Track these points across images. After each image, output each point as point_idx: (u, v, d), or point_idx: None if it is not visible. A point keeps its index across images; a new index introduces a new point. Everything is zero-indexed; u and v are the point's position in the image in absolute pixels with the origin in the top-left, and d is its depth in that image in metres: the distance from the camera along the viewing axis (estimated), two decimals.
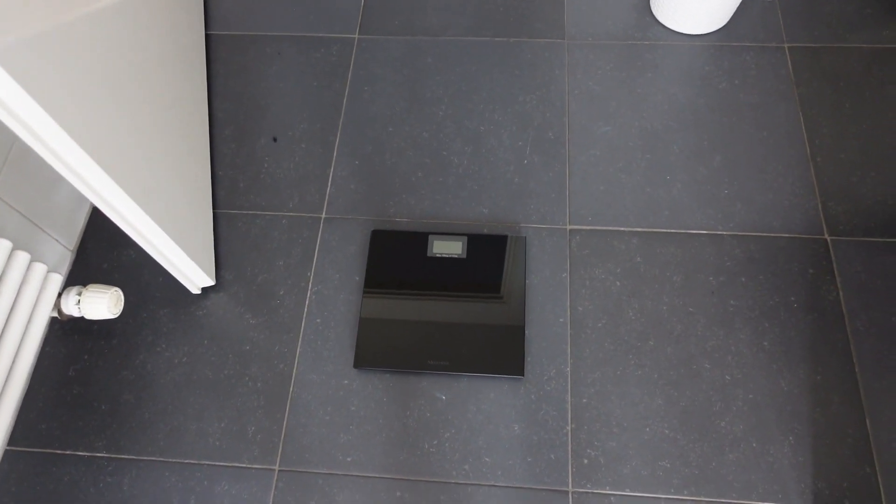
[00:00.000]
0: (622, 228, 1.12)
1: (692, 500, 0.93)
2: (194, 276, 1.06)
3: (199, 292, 1.10)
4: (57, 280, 0.95)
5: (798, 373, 1.00)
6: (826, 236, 1.10)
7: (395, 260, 1.09)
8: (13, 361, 0.87)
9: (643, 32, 1.32)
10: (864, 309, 1.04)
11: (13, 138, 0.99)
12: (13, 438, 1.00)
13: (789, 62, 1.27)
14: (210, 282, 1.09)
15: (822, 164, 1.16)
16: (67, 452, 0.99)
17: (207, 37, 1.37)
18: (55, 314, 0.99)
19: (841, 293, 1.05)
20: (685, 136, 1.20)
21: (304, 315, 1.08)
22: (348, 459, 0.97)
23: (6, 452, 0.99)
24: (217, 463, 0.97)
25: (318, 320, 1.07)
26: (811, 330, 1.03)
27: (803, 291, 1.06)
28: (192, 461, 0.97)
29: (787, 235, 1.10)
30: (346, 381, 1.02)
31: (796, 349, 1.02)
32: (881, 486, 0.92)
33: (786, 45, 1.29)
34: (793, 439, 0.96)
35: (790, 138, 1.19)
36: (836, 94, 1.23)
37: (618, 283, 1.08)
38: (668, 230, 1.12)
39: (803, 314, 1.04)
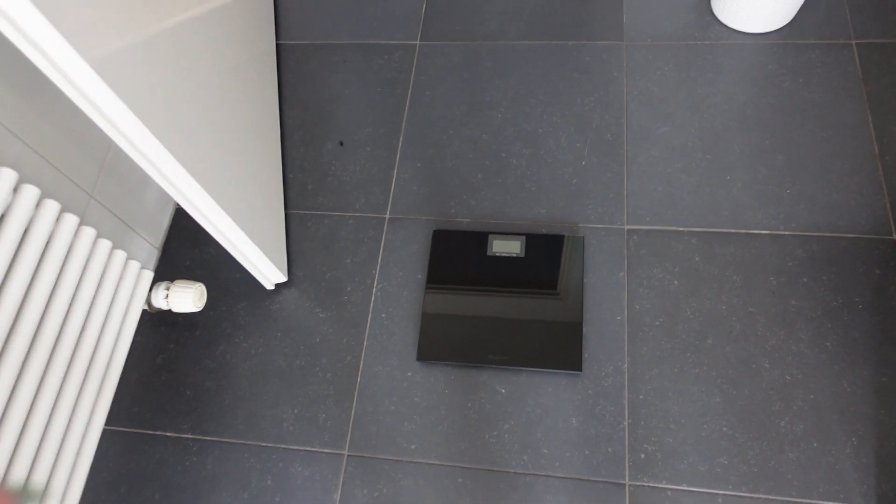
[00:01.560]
0: (681, 228, 1.13)
1: (750, 497, 0.94)
2: (269, 272, 1.13)
3: (272, 288, 1.17)
4: (148, 276, 1.04)
5: (862, 374, 0.99)
6: (894, 236, 1.08)
7: (456, 258, 1.14)
8: (112, 349, 0.96)
9: (703, 32, 1.32)
10: None
11: (107, 148, 1.08)
12: (109, 419, 1.10)
13: (857, 59, 1.25)
14: (283, 278, 1.16)
15: (891, 163, 1.14)
16: (157, 433, 1.08)
17: (278, 46, 1.45)
18: (145, 307, 1.08)
19: None
20: (746, 136, 1.20)
21: (370, 310, 1.13)
22: (412, 447, 1.02)
23: (104, 432, 1.09)
24: (291, 447, 1.04)
25: (384, 315, 1.13)
26: (877, 331, 1.02)
27: (869, 292, 1.04)
28: (268, 444, 1.05)
29: (851, 236, 1.09)
30: (409, 374, 1.07)
31: (860, 350, 1.01)
32: None
33: (853, 42, 1.26)
34: (856, 440, 0.95)
35: (857, 137, 1.17)
36: None
37: (676, 283, 1.09)
38: (728, 230, 1.12)
39: (868, 315, 1.03)
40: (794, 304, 1.05)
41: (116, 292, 0.96)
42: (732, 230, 1.12)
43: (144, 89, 0.78)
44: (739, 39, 1.30)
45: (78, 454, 0.90)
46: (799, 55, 1.27)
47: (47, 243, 0.83)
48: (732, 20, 1.30)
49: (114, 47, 0.73)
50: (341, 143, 1.31)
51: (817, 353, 1.01)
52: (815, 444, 0.95)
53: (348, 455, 1.03)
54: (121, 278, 0.97)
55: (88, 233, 0.90)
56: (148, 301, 1.08)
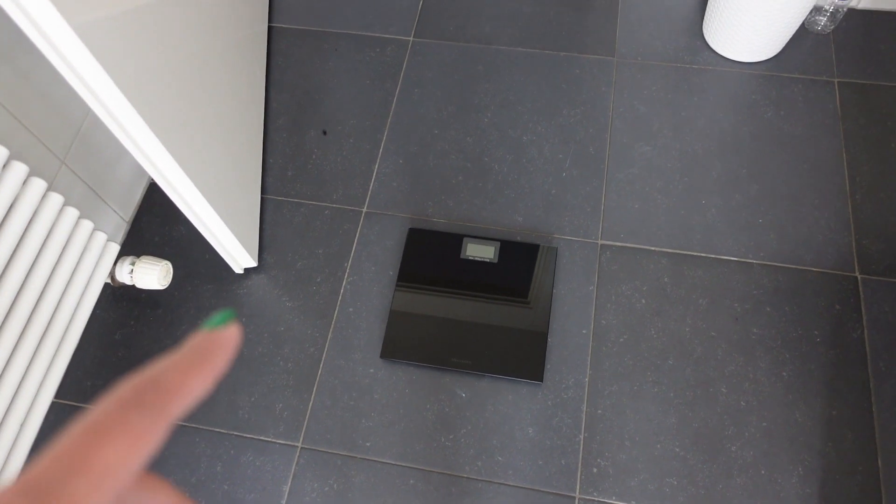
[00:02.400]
0: (653, 248, 1.15)
1: None
2: (239, 256, 1.12)
3: (241, 272, 1.16)
4: (114, 249, 1.02)
5: (814, 406, 1.01)
6: (857, 274, 1.10)
7: (429, 258, 1.14)
8: (70, 320, 0.94)
9: (693, 56, 1.34)
10: (887, 349, 1.04)
11: (85, 114, 1.06)
12: (60, 392, 1.07)
13: (837, 97, 1.27)
14: (253, 263, 1.15)
15: (860, 202, 1.16)
16: None
17: (270, 28, 1.43)
18: (108, 280, 1.06)
19: (866, 332, 1.06)
20: (725, 162, 1.22)
21: (338, 303, 1.13)
22: (367, 444, 1.02)
23: (54, 404, 1.06)
24: (244, 434, 1.03)
25: (351, 309, 1.12)
26: (832, 365, 1.04)
27: (828, 326, 1.07)
28: (221, 430, 1.03)
29: (817, 269, 1.11)
30: (371, 370, 1.07)
31: (815, 383, 1.03)
32: None
33: (836, 80, 1.29)
34: (802, 470, 0.97)
35: (831, 173, 1.19)
36: (883, 132, 1.23)
37: (643, 301, 1.10)
38: (699, 254, 1.14)
39: (825, 349, 1.05)
40: (756, 332, 1.07)
41: (79, 263, 0.94)
42: (703, 254, 1.14)
43: (127, 58, 0.76)
44: (727, 67, 1.32)
45: (23, 424, 0.88)
46: (782, 87, 1.29)
47: (11, 206, 0.81)
48: (722, 47, 1.32)
49: (99, 14, 0.71)
50: (325, 133, 1.30)
51: (773, 382, 1.03)
52: (762, 472, 0.97)
53: (302, 447, 1.02)
54: (85, 249, 0.95)
55: (55, 199, 0.88)
56: (112, 275, 1.06)
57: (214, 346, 0.20)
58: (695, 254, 1.14)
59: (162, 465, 1.01)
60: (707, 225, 1.16)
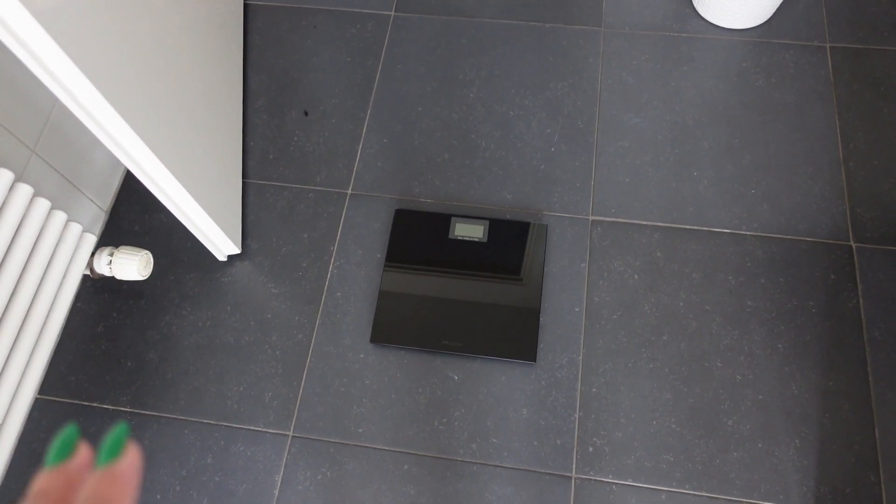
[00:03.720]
0: (645, 222, 1.12)
1: (693, 495, 0.94)
2: (221, 243, 1.09)
3: (224, 259, 1.13)
4: (91, 240, 0.99)
5: (810, 377, 1.00)
6: (851, 242, 1.09)
7: (417, 240, 1.11)
8: (47, 315, 0.91)
9: (682, 24, 1.30)
10: (883, 318, 1.03)
11: (53, 100, 1.02)
12: (44, 388, 1.05)
13: (830, 63, 1.24)
14: (236, 250, 1.12)
15: (853, 169, 1.14)
16: (94, 405, 1.03)
17: (245, 6, 1.38)
18: (87, 272, 1.03)
19: (861, 301, 1.04)
20: (716, 133, 1.19)
21: (325, 288, 1.10)
22: (359, 431, 1.00)
23: (37, 401, 1.04)
24: (234, 425, 1.01)
25: (339, 294, 1.10)
26: (828, 336, 1.03)
27: (823, 297, 1.05)
28: (210, 421, 1.01)
29: (811, 239, 1.09)
30: (361, 355, 1.05)
31: (811, 354, 1.01)
32: (884, 495, 0.93)
33: (827, 45, 1.26)
34: (799, 442, 0.96)
35: (824, 141, 1.17)
36: (876, 98, 1.20)
37: (636, 277, 1.08)
38: (691, 227, 1.12)
39: (821, 319, 1.04)
40: (751, 304, 1.05)
41: (54, 256, 0.91)
42: (695, 227, 1.12)
43: (92, 43, 0.72)
44: (717, 34, 1.29)
45: (4, 422, 0.86)
46: (773, 54, 1.26)
47: None
48: (711, 14, 1.28)
49: None
50: (306, 113, 1.26)
51: (769, 355, 1.02)
52: (759, 445, 0.96)
53: (293, 436, 1.00)
54: (59, 241, 0.92)
55: (24, 190, 0.84)
56: (90, 266, 1.03)
57: (117, 488, 0.16)
58: (687, 227, 1.12)
59: (152, 459, 0.99)
60: (699, 197, 1.14)
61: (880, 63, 1.24)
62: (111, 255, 1.01)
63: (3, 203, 0.81)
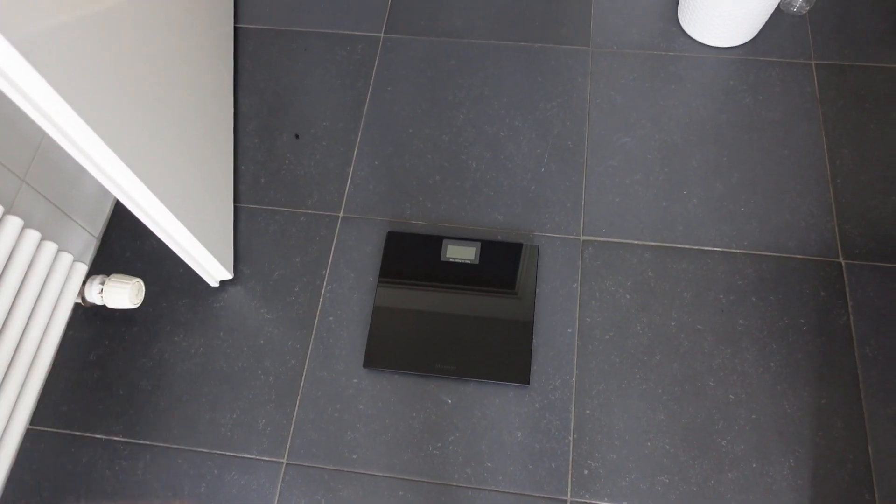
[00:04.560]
0: (635, 241, 1.13)
1: None
2: (213, 269, 1.09)
3: (217, 285, 1.13)
4: (81, 269, 0.98)
5: (803, 395, 1.00)
6: (841, 259, 1.10)
7: (409, 262, 1.11)
8: (38, 346, 0.90)
9: (669, 43, 1.32)
10: (874, 335, 1.04)
11: (42, 130, 1.02)
12: (36, 418, 1.04)
13: (815, 80, 1.26)
14: (228, 275, 1.12)
15: (841, 186, 1.15)
16: (86, 434, 1.03)
17: (236, 30, 1.39)
18: (79, 300, 1.03)
19: (852, 318, 1.05)
20: (705, 151, 1.20)
21: (318, 312, 1.10)
22: (354, 457, 1.00)
23: (29, 431, 1.03)
24: (227, 453, 1.01)
25: (331, 318, 1.10)
26: (819, 353, 1.03)
27: (814, 314, 1.06)
28: (204, 450, 1.01)
29: (800, 257, 1.10)
30: (355, 380, 1.05)
31: (803, 372, 1.02)
32: None
33: (813, 62, 1.27)
34: (793, 461, 0.96)
35: (811, 158, 1.18)
36: (862, 114, 1.22)
37: (627, 297, 1.09)
38: (682, 245, 1.12)
39: (812, 337, 1.04)
40: (742, 322, 1.06)
41: (44, 286, 0.91)
42: (686, 246, 1.12)
43: (75, 71, 0.73)
44: (703, 52, 1.30)
45: None
46: (760, 72, 1.27)
47: None
48: (698, 33, 1.30)
49: (41, 26, 0.68)
50: (297, 136, 1.27)
51: (761, 374, 1.02)
52: (754, 465, 0.96)
53: (287, 463, 1.00)
54: (50, 271, 0.92)
55: (14, 222, 0.84)
56: (82, 295, 1.02)
57: None
58: (678, 246, 1.12)
59: (144, 489, 0.99)
60: (689, 216, 1.15)
61: (865, 79, 1.25)
62: (102, 283, 1.01)
63: None
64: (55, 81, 0.68)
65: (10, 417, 0.87)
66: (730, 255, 1.11)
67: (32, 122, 0.99)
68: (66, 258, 0.94)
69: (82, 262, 1.03)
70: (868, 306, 1.06)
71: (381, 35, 1.37)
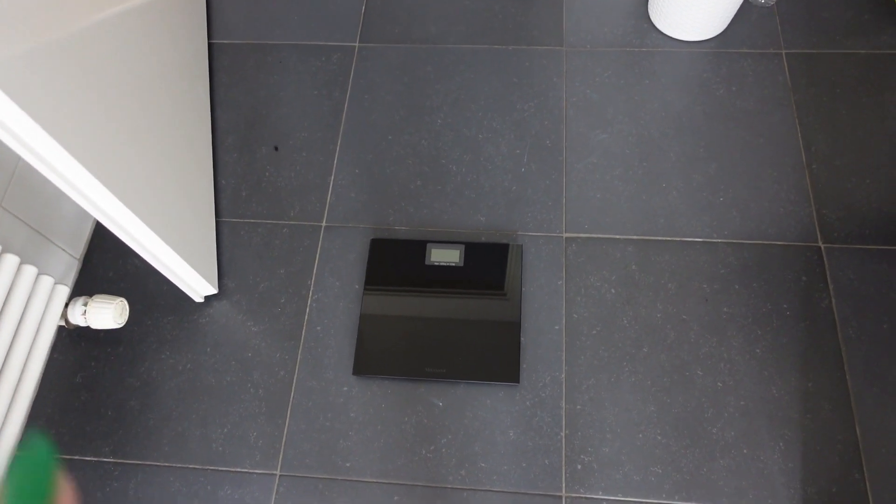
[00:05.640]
0: (618, 236, 1.14)
1: None
2: (197, 285, 1.08)
3: (202, 300, 1.12)
4: (63, 292, 0.98)
5: (789, 380, 1.01)
6: (820, 244, 1.11)
7: (394, 268, 1.12)
8: (22, 370, 0.90)
9: (641, 39, 1.33)
10: (856, 316, 1.05)
11: (18, 154, 1.01)
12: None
13: (786, 68, 1.28)
14: (213, 290, 1.11)
15: (817, 172, 1.17)
16: (75, 457, 1.02)
17: (210, 45, 1.39)
18: (63, 323, 1.02)
19: (833, 301, 1.06)
20: (681, 144, 1.21)
21: (305, 323, 1.10)
22: (347, 465, 0.99)
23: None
24: (220, 468, 1.00)
25: (319, 328, 1.09)
26: (803, 337, 1.04)
27: (796, 299, 1.07)
28: (195, 466, 1.00)
29: (781, 243, 1.11)
30: (345, 388, 1.05)
31: (788, 356, 1.03)
32: (869, 492, 0.94)
33: (783, 52, 1.29)
34: (783, 445, 0.97)
35: (786, 145, 1.20)
36: (833, 100, 1.23)
37: (613, 291, 1.10)
38: (664, 238, 1.13)
39: (796, 322, 1.05)
40: (726, 310, 1.07)
41: (26, 311, 0.90)
42: (668, 238, 1.13)
43: (49, 94, 0.73)
44: (675, 47, 1.32)
45: None
46: (732, 63, 1.29)
47: None
48: (669, 28, 1.31)
49: (11, 51, 0.67)
50: (276, 148, 1.27)
51: (747, 360, 1.03)
52: (744, 451, 0.97)
53: (280, 475, 0.99)
54: (31, 295, 0.91)
55: None
56: (65, 317, 1.02)
57: None
58: (660, 238, 1.13)
59: None
60: (669, 208, 1.16)
61: (835, 66, 1.27)
62: (85, 304, 1.00)
63: None
64: (28, 106, 0.68)
65: None
66: (711, 244, 1.12)
67: (7, 148, 0.98)
68: (48, 281, 0.94)
69: (64, 284, 1.02)
70: (849, 288, 1.07)
71: (356, 44, 1.37)
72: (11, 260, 0.86)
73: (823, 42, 1.30)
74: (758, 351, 1.04)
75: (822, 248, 1.11)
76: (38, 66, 0.72)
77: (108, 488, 0.99)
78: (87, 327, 1.09)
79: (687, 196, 1.17)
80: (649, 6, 1.34)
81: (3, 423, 0.87)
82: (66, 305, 1.01)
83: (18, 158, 1.01)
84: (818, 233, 1.12)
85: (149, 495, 0.99)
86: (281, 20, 1.41)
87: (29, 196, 1.03)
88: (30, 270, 0.89)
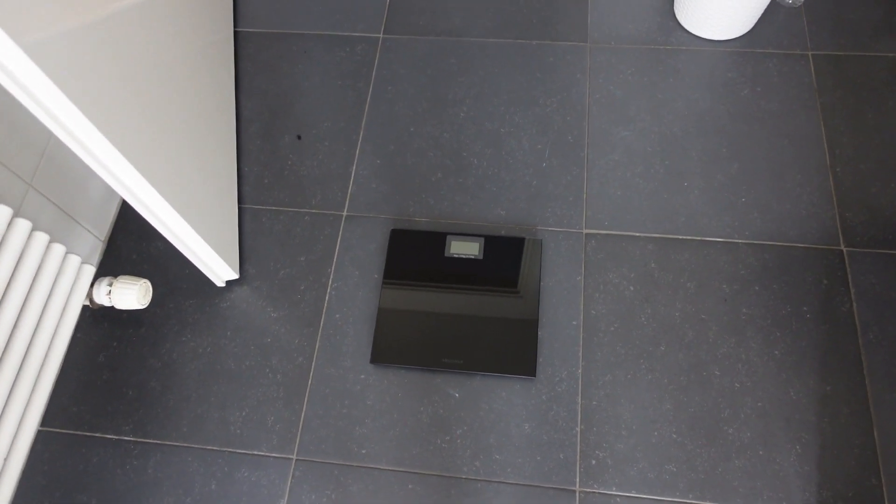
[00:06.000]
0: (638, 234, 1.14)
1: None
2: (219, 269, 1.10)
3: (223, 285, 1.14)
4: (89, 271, 0.99)
5: (808, 383, 1.01)
6: (842, 247, 1.10)
7: (414, 259, 1.12)
8: (48, 347, 0.91)
9: (666, 37, 1.33)
10: (877, 321, 1.04)
11: (49, 135, 1.03)
12: (46, 419, 1.05)
13: (812, 70, 1.27)
14: (234, 275, 1.12)
15: (841, 175, 1.16)
16: (96, 435, 1.03)
17: (236, 33, 1.40)
18: (87, 302, 1.04)
19: (854, 305, 1.06)
20: (704, 143, 1.21)
21: (324, 310, 1.11)
22: (363, 452, 1.00)
23: (39, 433, 1.04)
24: (237, 450, 1.01)
25: (338, 316, 1.10)
26: (823, 340, 1.04)
27: (817, 302, 1.06)
28: (213, 447, 1.02)
29: (802, 245, 1.11)
30: (362, 376, 1.05)
31: (807, 359, 1.03)
32: (886, 498, 0.93)
33: (809, 53, 1.28)
34: (800, 448, 0.97)
35: (810, 147, 1.19)
36: (859, 103, 1.22)
37: (631, 288, 1.10)
38: (684, 237, 1.13)
39: (816, 325, 1.05)
40: (746, 311, 1.07)
41: (53, 288, 0.92)
42: (688, 237, 1.13)
43: (83, 75, 0.74)
44: (700, 46, 1.31)
45: (8, 456, 0.86)
46: (757, 64, 1.28)
47: None
48: (694, 26, 1.31)
49: (49, 32, 0.69)
50: (299, 137, 1.28)
51: (766, 362, 1.03)
52: (760, 452, 0.97)
53: (297, 459, 1.00)
54: (59, 273, 0.93)
55: (23, 225, 0.85)
56: (90, 297, 1.03)
57: None
58: (680, 237, 1.13)
59: (155, 489, 0.99)
60: (690, 207, 1.15)
61: (862, 68, 1.26)
62: (110, 284, 1.02)
63: (3, 239, 0.82)
64: (64, 85, 0.69)
65: (21, 419, 0.88)
66: (732, 245, 1.12)
67: (38, 128, 1.00)
68: (75, 260, 0.95)
69: (90, 264, 1.03)
70: (870, 293, 1.06)
71: (381, 35, 1.38)
72: (41, 238, 0.87)
73: (851, 44, 1.29)
74: (776, 353, 1.03)
75: (845, 251, 1.10)
76: (73, 47, 0.73)
77: (127, 466, 1.01)
78: (111, 308, 1.11)
79: (708, 195, 1.16)
80: (675, 3, 1.34)
81: (30, 399, 0.88)
82: (91, 285, 1.02)
83: (49, 139, 1.02)
84: (840, 236, 1.11)
85: (167, 474, 1.00)
86: (306, 10, 1.41)
87: (57, 177, 1.04)
88: (58, 249, 0.91)
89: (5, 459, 0.85)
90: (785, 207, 1.14)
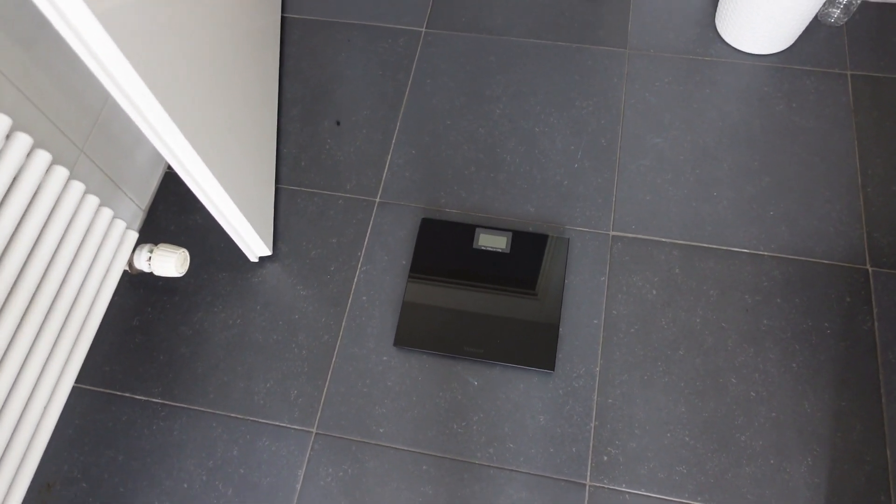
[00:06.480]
0: (664, 239, 1.15)
1: None
2: (254, 244, 1.13)
3: (256, 261, 1.17)
4: (132, 236, 1.03)
5: (823, 397, 1.02)
6: (868, 266, 1.11)
7: (442, 248, 1.15)
8: (90, 307, 0.95)
9: (705, 48, 1.34)
10: None
11: (103, 103, 1.07)
12: (80, 377, 1.09)
13: (850, 90, 1.27)
14: (267, 252, 1.16)
15: (871, 195, 1.17)
16: (126, 395, 1.08)
17: (283, 19, 1.44)
18: (126, 267, 1.08)
19: (876, 324, 1.06)
20: (736, 155, 1.22)
21: (352, 292, 1.14)
22: (381, 430, 1.03)
23: (74, 389, 1.08)
24: (260, 420, 1.05)
25: (364, 298, 1.13)
26: (842, 357, 1.05)
27: (838, 318, 1.07)
28: (237, 415, 1.05)
29: (827, 262, 1.12)
30: (385, 358, 1.08)
31: (824, 374, 1.03)
32: None
33: (848, 73, 1.29)
34: (811, 460, 0.98)
35: (842, 166, 1.20)
36: (895, 125, 1.23)
37: (654, 292, 1.11)
38: (710, 245, 1.14)
39: (835, 341, 1.06)
40: (766, 323, 1.08)
41: (99, 250, 0.96)
42: (714, 246, 1.14)
43: (147, 46, 0.77)
44: (739, 59, 1.32)
45: (46, 408, 0.90)
46: (795, 80, 1.29)
47: (35, 193, 0.83)
48: (734, 39, 1.32)
49: (120, 1, 0.72)
50: (338, 123, 1.31)
51: (783, 373, 1.04)
52: (771, 461, 0.98)
53: (316, 433, 1.04)
54: (105, 236, 0.97)
55: (77, 187, 0.89)
56: (130, 262, 1.08)
57: None
58: (706, 245, 1.14)
59: (179, 450, 1.03)
60: (718, 217, 1.17)
61: None
62: (151, 251, 1.06)
63: (59, 198, 0.86)
64: (129, 53, 0.73)
65: (61, 373, 0.92)
66: (757, 256, 1.13)
67: (93, 94, 1.04)
68: (120, 224, 0.99)
69: (133, 230, 1.08)
70: (893, 314, 1.07)
71: (423, 30, 1.41)
72: (92, 200, 0.92)
73: (891, 66, 1.29)
74: (794, 366, 1.04)
75: (870, 271, 1.10)
76: (139, 19, 0.77)
77: (154, 426, 1.05)
78: (149, 274, 1.15)
79: (737, 206, 1.17)
80: (717, 16, 1.35)
81: (70, 354, 0.93)
82: (132, 251, 1.06)
83: (102, 108, 1.07)
84: (867, 255, 1.12)
85: (192, 437, 1.04)
86: (352, 0, 1.45)
87: (107, 144, 1.09)
88: (106, 212, 0.95)
89: (44, 410, 0.89)
90: (812, 223, 1.15)
